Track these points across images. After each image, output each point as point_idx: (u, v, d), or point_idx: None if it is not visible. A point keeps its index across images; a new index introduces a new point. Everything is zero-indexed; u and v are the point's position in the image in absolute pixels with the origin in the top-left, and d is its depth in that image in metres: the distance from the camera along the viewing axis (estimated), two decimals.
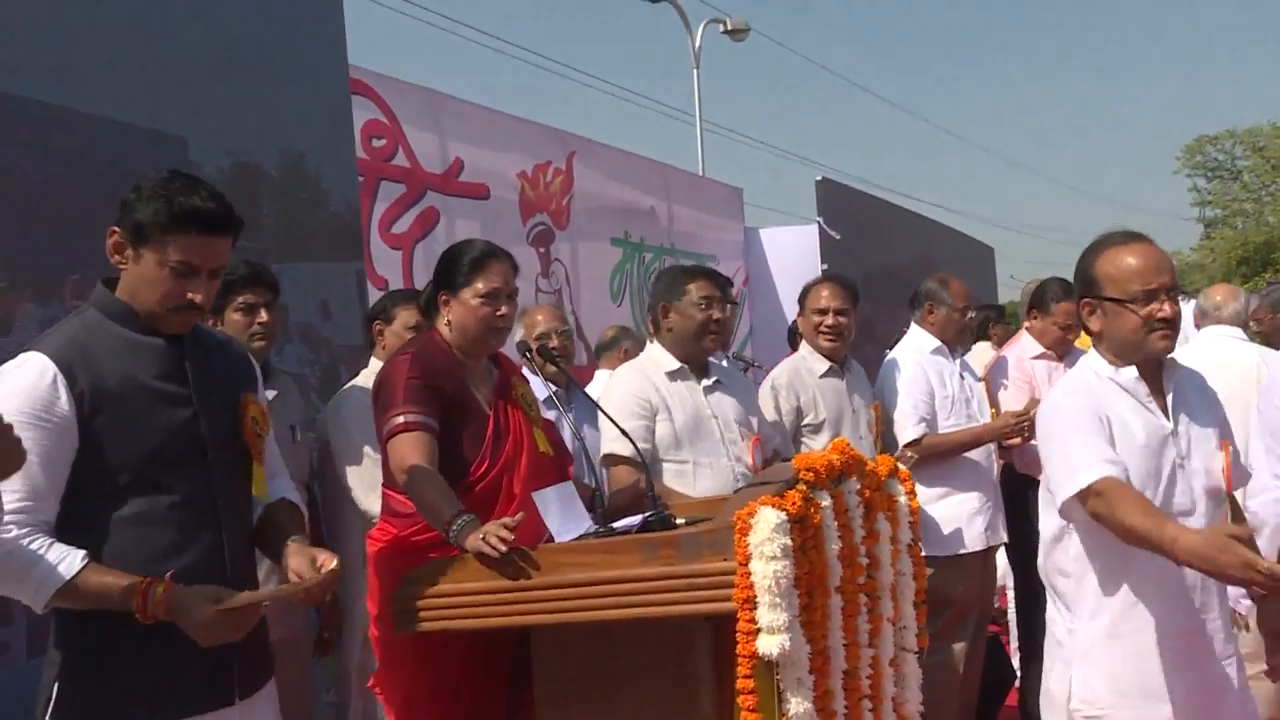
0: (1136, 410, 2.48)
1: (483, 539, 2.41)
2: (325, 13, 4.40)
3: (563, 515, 2.59)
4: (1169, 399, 2.52)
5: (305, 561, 2.16)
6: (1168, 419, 2.50)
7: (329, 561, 2.14)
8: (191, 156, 3.67)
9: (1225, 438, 2.60)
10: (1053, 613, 2.60)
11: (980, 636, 4.54)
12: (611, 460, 3.42)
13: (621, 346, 5.06)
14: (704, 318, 3.57)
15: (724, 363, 4.16)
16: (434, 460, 2.67)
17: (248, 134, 3.96)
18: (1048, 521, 2.57)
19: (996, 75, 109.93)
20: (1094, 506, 2.36)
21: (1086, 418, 2.43)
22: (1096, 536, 2.43)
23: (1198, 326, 4.77)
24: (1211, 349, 4.25)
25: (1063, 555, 2.53)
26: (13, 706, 2.45)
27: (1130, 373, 2.50)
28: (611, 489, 3.33)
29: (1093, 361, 2.56)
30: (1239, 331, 4.76)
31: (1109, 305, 2.49)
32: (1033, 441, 3.42)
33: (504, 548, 2.39)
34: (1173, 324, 2.48)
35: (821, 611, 2.43)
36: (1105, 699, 2.44)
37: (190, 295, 2.11)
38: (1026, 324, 4.83)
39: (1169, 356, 2.53)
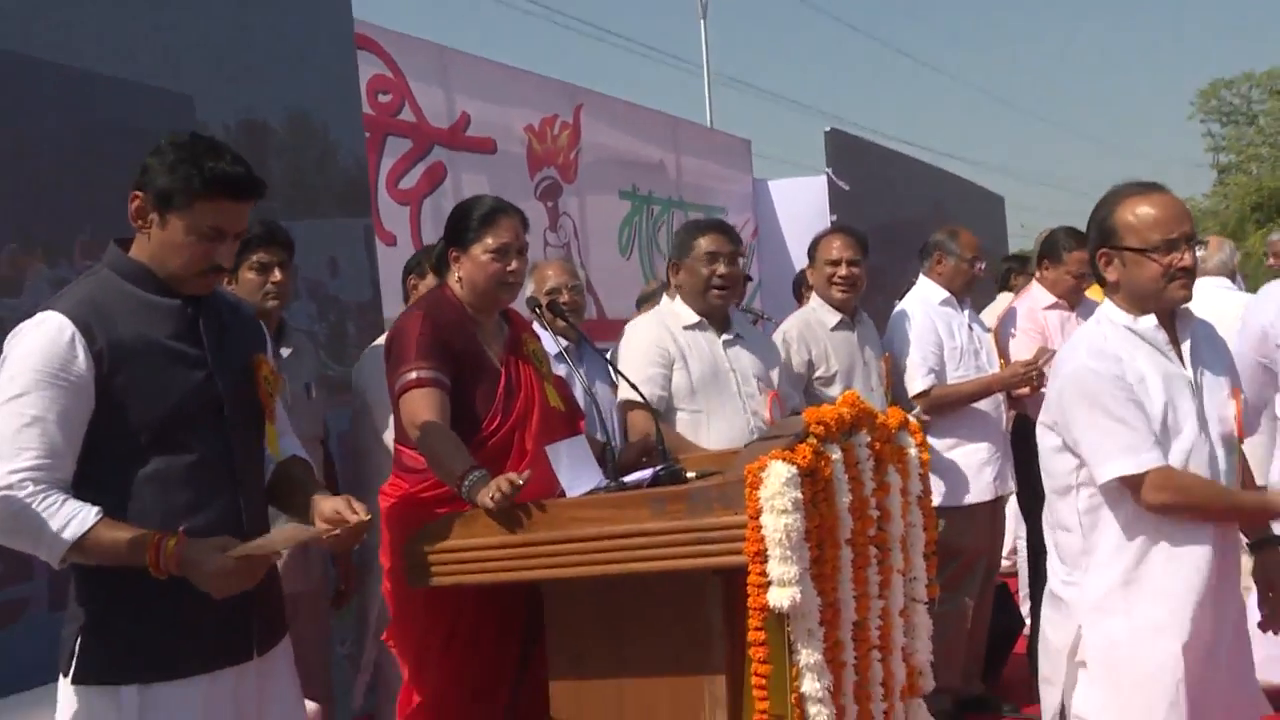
0: (1155, 358, 2.48)
1: (493, 495, 2.44)
2: None
3: (574, 470, 2.60)
4: (1185, 347, 2.52)
5: (342, 503, 2.18)
6: (1185, 367, 2.51)
7: (362, 509, 2.17)
8: (198, 115, 3.65)
9: (1236, 385, 2.61)
10: (1051, 564, 2.62)
11: (989, 586, 4.57)
12: (629, 405, 3.48)
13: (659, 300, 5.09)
14: (708, 272, 3.59)
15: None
16: (446, 416, 2.68)
17: (254, 91, 3.94)
18: (1053, 480, 2.57)
19: (1006, 22, 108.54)
20: (1153, 496, 2.40)
21: (1122, 389, 2.43)
22: (1115, 490, 2.44)
23: None
24: (1200, 299, 4.26)
25: (1068, 510, 2.53)
26: (36, 660, 2.49)
27: (1150, 321, 2.50)
28: (631, 433, 3.36)
29: (1109, 312, 2.55)
30: (1226, 281, 4.83)
31: (1128, 255, 2.48)
32: (1043, 390, 3.41)
33: (509, 501, 2.41)
34: (1191, 273, 2.49)
35: (832, 564, 2.45)
36: (1123, 641, 2.46)
37: (216, 259, 2.13)
38: (1038, 274, 4.80)
39: (1183, 306, 2.53)
